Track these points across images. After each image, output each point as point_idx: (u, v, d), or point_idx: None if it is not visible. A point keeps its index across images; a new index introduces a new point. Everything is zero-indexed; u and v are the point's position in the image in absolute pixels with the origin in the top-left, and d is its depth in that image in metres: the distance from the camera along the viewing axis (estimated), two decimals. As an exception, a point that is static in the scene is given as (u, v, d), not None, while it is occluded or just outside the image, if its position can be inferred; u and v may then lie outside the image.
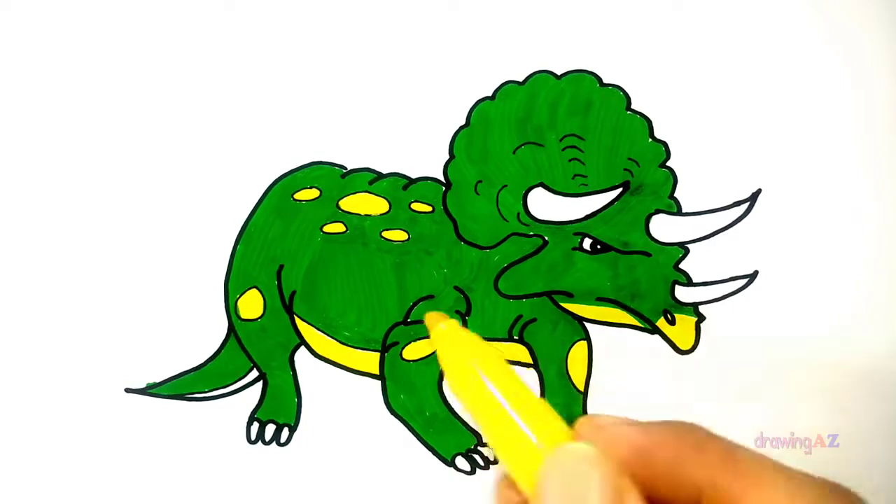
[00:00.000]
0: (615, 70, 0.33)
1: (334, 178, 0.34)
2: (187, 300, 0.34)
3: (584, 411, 0.33)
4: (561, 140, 0.33)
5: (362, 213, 0.34)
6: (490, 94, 0.33)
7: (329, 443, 0.34)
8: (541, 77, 0.33)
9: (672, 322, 0.33)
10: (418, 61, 0.34)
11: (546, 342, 0.33)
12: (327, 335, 0.34)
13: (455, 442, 0.33)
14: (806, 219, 0.33)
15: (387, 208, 0.34)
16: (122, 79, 0.35)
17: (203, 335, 0.34)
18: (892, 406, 0.33)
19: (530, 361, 0.33)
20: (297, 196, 0.34)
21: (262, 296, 0.34)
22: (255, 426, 0.34)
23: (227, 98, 0.34)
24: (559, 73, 0.33)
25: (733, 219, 0.33)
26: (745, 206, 0.33)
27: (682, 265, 0.33)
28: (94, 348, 0.34)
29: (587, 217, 0.33)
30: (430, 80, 0.34)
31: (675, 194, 0.33)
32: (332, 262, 0.34)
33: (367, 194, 0.34)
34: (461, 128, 0.33)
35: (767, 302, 0.33)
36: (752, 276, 0.33)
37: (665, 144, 0.33)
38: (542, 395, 0.33)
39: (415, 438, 0.34)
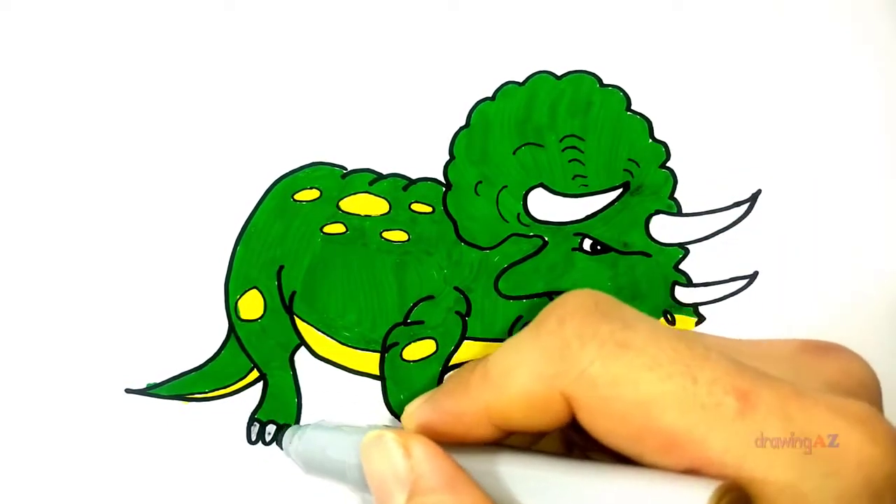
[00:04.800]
0: (615, 70, 0.33)
1: (334, 179, 0.34)
2: (187, 301, 0.34)
3: (584, 411, 0.33)
4: (561, 140, 0.33)
5: (362, 213, 0.34)
6: (490, 94, 0.33)
7: (329, 443, 0.34)
8: (541, 77, 0.33)
9: (672, 322, 0.33)
10: (418, 61, 0.34)
11: (546, 342, 0.33)
12: (327, 335, 0.34)
13: (455, 442, 0.33)
14: (806, 219, 0.33)
15: (387, 209, 0.34)
16: (122, 79, 0.35)
17: (203, 336, 0.34)
18: (893, 406, 0.33)
19: (530, 362, 0.33)
20: (298, 197, 0.34)
21: (263, 296, 0.34)
22: (256, 427, 0.34)
23: (227, 98, 0.34)
24: (559, 73, 0.33)
25: (733, 219, 0.33)
26: (745, 206, 0.33)
27: (682, 266, 0.33)
28: (94, 348, 0.34)
29: (587, 217, 0.33)
30: (430, 81, 0.34)
31: (676, 195, 0.33)
32: (332, 262, 0.34)
33: (367, 195, 0.34)
34: (461, 128, 0.33)
35: (767, 302, 0.33)
36: (752, 277, 0.33)
37: (665, 145, 0.33)
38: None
39: (415, 439, 0.34)
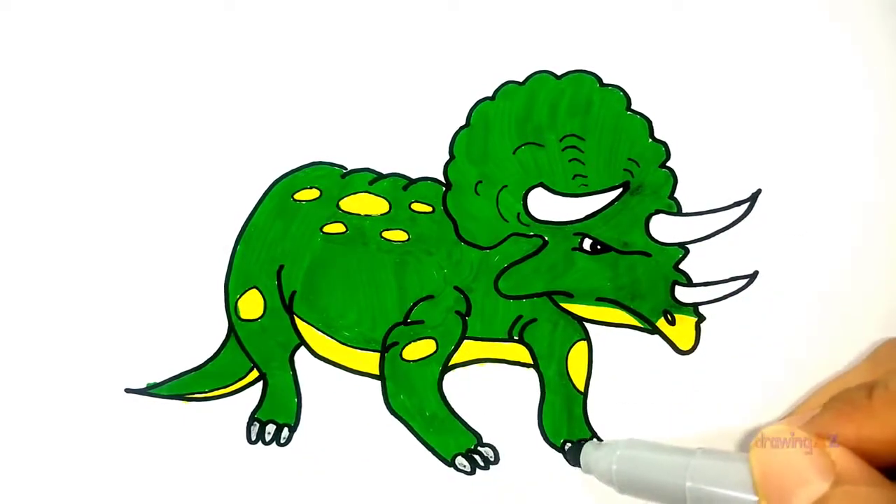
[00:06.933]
0: (615, 70, 0.33)
1: (334, 179, 0.34)
2: (187, 300, 0.34)
3: (585, 411, 0.33)
4: (561, 140, 0.33)
5: (362, 213, 0.34)
6: (490, 94, 0.33)
7: (329, 443, 0.34)
8: (541, 77, 0.33)
9: (672, 322, 0.33)
10: (418, 61, 0.34)
11: (546, 342, 0.33)
12: (327, 335, 0.34)
13: (455, 442, 0.33)
14: (806, 219, 0.33)
15: (387, 208, 0.34)
16: (122, 79, 0.35)
17: (203, 335, 0.34)
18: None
19: (530, 361, 0.33)
20: (298, 196, 0.34)
21: (263, 296, 0.34)
22: (256, 426, 0.34)
23: (227, 98, 0.34)
24: (559, 73, 0.33)
25: (733, 219, 0.33)
26: (745, 206, 0.33)
27: (682, 265, 0.33)
28: (94, 348, 0.34)
29: (587, 217, 0.33)
30: (430, 80, 0.34)
31: (676, 194, 0.33)
32: (332, 262, 0.34)
33: (367, 194, 0.34)
34: (461, 128, 0.34)
35: (767, 302, 0.33)
36: (752, 276, 0.33)
37: (665, 145, 0.33)
38: (543, 395, 0.33)
39: (415, 438, 0.34)
